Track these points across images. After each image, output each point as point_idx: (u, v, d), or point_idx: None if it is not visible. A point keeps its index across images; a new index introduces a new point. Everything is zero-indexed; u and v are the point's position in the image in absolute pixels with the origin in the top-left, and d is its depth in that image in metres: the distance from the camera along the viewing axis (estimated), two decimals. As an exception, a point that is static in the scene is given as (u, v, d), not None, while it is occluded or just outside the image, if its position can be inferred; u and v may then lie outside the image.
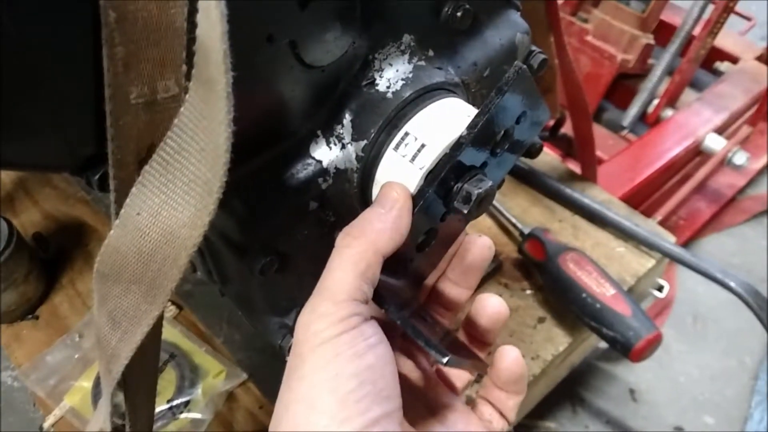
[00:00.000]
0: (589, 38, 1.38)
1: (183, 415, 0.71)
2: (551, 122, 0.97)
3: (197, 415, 0.71)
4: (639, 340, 0.70)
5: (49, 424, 0.71)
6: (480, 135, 0.39)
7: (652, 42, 1.36)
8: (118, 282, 0.35)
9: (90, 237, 0.88)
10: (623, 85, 1.43)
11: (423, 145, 0.42)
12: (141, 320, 0.36)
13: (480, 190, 0.40)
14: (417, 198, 0.40)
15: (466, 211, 0.40)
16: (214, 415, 0.71)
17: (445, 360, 0.37)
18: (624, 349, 0.71)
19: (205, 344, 0.77)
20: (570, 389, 1.14)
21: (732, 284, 0.77)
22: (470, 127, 0.39)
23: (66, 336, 0.78)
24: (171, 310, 0.80)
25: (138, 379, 0.43)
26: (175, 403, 0.72)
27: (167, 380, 0.74)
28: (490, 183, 0.41)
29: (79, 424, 0.71)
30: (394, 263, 0.41)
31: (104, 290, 0.36)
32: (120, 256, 0.34)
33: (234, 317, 0.77)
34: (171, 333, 0.78)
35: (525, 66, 0.39)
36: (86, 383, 0.74)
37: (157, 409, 0.70)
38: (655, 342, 0.71)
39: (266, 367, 0.72)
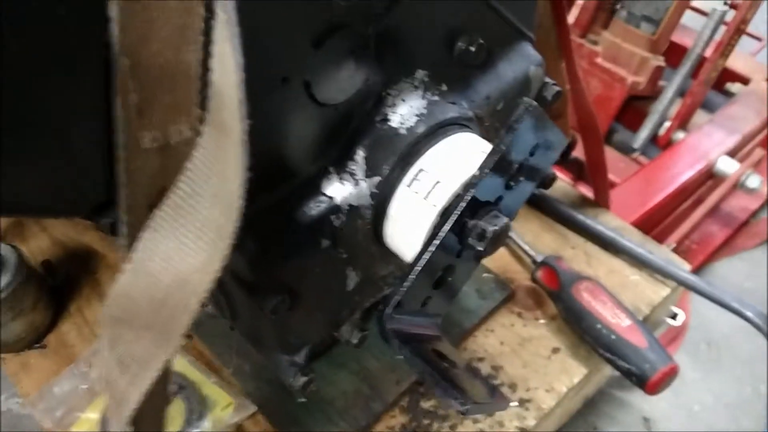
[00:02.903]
0: (599, 60, 1.37)
1: (192, 448, 0.70)
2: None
3: (206, 448, 0.70)
4: (655, 373, 0.68)
5: (57, 457, 0.70)
6: (493, 172, 0.39)
7: (662, 64, 1.36)
8: (130, 327, 0.35)
9: (98, 264, 0.88)
10: (634, 107, 1.42)
11: (437, 182, 0.41)
12: (151, 365, 0.36)
13: (495, 228, 0.39)
14: (432, 236, 0.39)
15: (481, 249, 0.40)
16: (222, 448, 0.70)
17: (464, 409, 0.36)
18: (640, 381, 0.69)
19: (213, 375, 0.76)
20: (583, 417, 1.12)
21: (749, 314, 0.75)
22: (482, 167, 0.38)
23: (73, 366, 0.77)
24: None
25: (147, 420, 0.42)
26: (183, 435, 0.71)
27: (176, 412, 0.73)
28: (504, 220, 0.40)
29: (87, 456, 0.70)
30: (411, 303, 0.40)
31: (114, 334, 0.36)
32: (131, 301, 0.33)
33: (243, 347, 0.76)
34: (180, 363, 0.77)
35: (533, 102, 0.38)
36: (93, 414, 0.73)
37: (166, 442, 0.69)
38: (671, 374, 0.69)
39: (276, 399, 0.71)
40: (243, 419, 0.72)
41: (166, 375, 0.39)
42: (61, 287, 0.85)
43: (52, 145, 0.30)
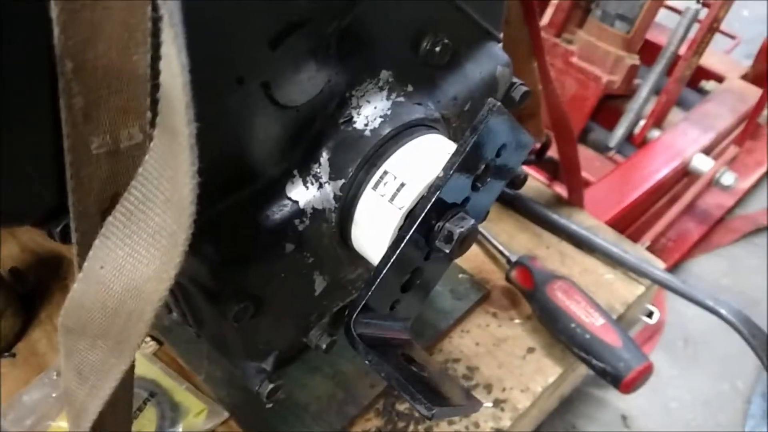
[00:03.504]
0: (574, 60, 1.38)
1: (164, 456, 0.69)
2: (537, 145, 0.97)
3: (179, 455, 0.69)
4: (629, 372, 0.68)
5: (27, 467, 0.69)
6: (458, 173, 0.38)
7: (637, 62, 1.36)
8: (84, 336, 0.34)
9: (68, 270, 0.86)
10: (609, 105, 1.42)
11: (402, 185, 0.41)
12: (109, 375, 0.35)
13: (462, 230, 0.39)
14: (398, 239, 0.39)
15: (448, 251, 0.39)
16: (195, 455, 0.69)
17: (430, 414, 0.36)
18: (614, 380, 0.69)
19: (185, 381, 0.75)
20: (561, 416, 1.12)
21: (723, 311, 0.76)
22: (446, 168, 0.38)
23: (44, 374, 0.76)
24: (151, 346, 0.78)
25: (110, 430, 0.41)
26: (155, 443, 0.69)
27: (148, 419, 0.71)
28: (472, 222, 0.40)
29: (57, 466, 0.68)
30: (379, 307, 0.39)
31: (70, 344, 0.35)
32: (84, 310, 0.32)
33: (215, 353, 0.75)
34: (151, 370, 0.76)
35: (498, 102, 0.38)
36: (64, 423, 0.72)
37: (138, 450, 0.68)
38: (646, 373, 0.69)
39: (248, 406, 0.70)
40: (216, 426, 0.71)
41: (126, 384, 0.39)
42: (31, 295, 0.84)
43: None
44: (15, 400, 0.74)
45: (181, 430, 0.70)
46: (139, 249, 0.30)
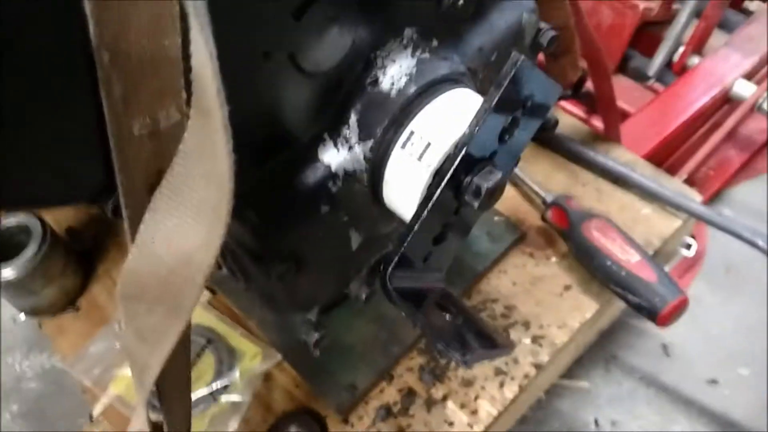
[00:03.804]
0: (610, -14, 1.33)
1: (223, 398, 0.73)
2: (574, 79, 0.95)
3: (237, 398, 0.73)
4: (665, 306, 0.69)
5: (98, 413, 0.75)
6: (484, 128, 0.39)
7: (676, -14, 1.31)
8: (141, 302, 0.37)
9: (121, 227, 0.90)
10: (648, 32, 1.38)
11: (429, 143, 0.42)
12: (167, 335, 0.38)
13: (490, 183, 0.40)
14: (427, 197, 0.40)
15: (477, 204, 0.41)
16: (252, 397, 0.74)
17: (464, 360, 0.38)
18: (650, 315, 0.71)
19: (239, 327, 0.79)
20: (602, 346, 1.14)
21: (760, 243, 0.76)
22: (472, 125, 0.39)
23: (107, 326, 0.81)
24: (206, 296, 0.82)
25: (171, 385, 0.45)
26: (214, 387, 0.74)
27: (206, 365, 0.76)
28: (499, 175, 0.41)
29: (126, 411, 0.74)
30: (412, 260, 0.41)
31: (129, 309, 0.38)
32: (139, 278, 0.35)
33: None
34: (207, 318, 0.80)
35: (522, 55, 0.38)
36: (129, 371, 0.77)
37: (198, 394, 0.73)
38: (681, 307, 0.70)
39: (299, 348, 0.74)
40: (270, 367, 0.76)
41: (184, 342, 0.42)
42: (88, 252, 0.88)
43: (48, 139, 0.31)
44: (82, 351, 0.79)
45: (238, 373, 0.75)
46: (185, 221, 0.32)
